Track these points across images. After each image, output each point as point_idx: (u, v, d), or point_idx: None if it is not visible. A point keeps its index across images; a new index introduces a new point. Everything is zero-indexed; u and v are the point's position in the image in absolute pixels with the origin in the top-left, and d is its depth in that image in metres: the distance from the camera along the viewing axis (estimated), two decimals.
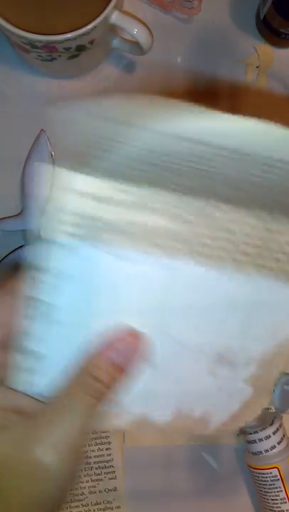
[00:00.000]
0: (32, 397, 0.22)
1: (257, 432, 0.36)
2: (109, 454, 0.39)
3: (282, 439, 0.36)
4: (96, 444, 0.39)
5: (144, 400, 0.24)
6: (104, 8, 0.31)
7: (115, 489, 0.39)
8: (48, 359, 0.22)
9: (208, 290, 0.23)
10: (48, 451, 0.19)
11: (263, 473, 0.36)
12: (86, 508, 0.39)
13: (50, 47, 0.32)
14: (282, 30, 0.37)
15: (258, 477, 0.36)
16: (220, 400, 0.25)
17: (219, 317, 0.23)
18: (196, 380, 0.24)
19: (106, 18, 0.31)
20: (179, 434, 0.25)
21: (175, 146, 0.19)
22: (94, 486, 0.39)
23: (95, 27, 0.30)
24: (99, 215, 0.20)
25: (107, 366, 0.21)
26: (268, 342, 0.24)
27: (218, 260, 0.22)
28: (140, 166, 0.20)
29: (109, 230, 0.21)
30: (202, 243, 0.22)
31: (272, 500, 0.36)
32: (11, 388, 0.22)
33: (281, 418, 0.37)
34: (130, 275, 0.22)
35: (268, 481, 0.36)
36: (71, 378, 0.21)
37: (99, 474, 0.39)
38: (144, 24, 0.33)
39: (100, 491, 0.39)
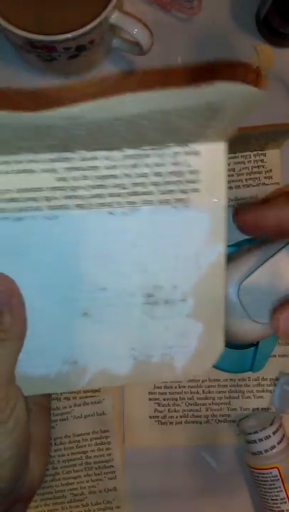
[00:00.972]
0: None
1: (257, 431, 0.36)
2: (109, 454, 0.39)
3: (282, 439, 0.36)
4: (96, 444, 0.39)
5: (97, 355, 0.25)
6: (104, 8, 0.31)
7: (115, 489, 0.39)
8: None
9: (109, 232, 0.24)
10: None
11: (263, 473, 0.36)
12: (86, 508, 0.39)
13: (50, 47, 0.32)
14: (282, 30, 0.37)
15: (258, 477, 0.36)
16: (173, 340, 0.25)
17: (131, 257, 0.24)
18: (138, 324, 0.25)
19: (106, 18, 0.31)
20: (145, 380, 0.27)
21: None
22: (94, 486, 0.39)
23: (94, 27, 0.30)
24: None
25: None
26: (192, 272, 0.25)
27: (107, 203, 0.23)
28: (17, 139, 0.21)
29: (7, 199, 0.23)
30: (88, 192, 0.23)
31: (272, 500, 0.36)
32: None
33: (281, 418, 0.37)
34: (35, 234, 0.23)
35: (267, 481, 0.36)
36: None
37: (99, 474, 0.39)
38: (144, 24, 0.33)
39: (100, 491, 0.39)
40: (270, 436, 0.36)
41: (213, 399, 0.39)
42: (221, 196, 0.24)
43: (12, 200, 0.23)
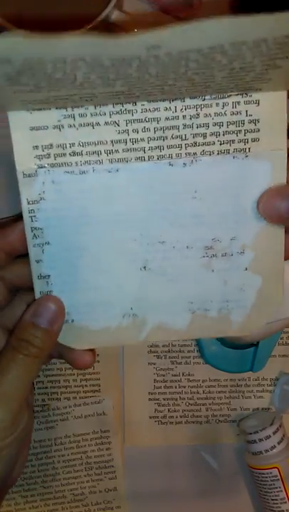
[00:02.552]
0: None
1: (257, 431, 0.36)
2: (110, 454, 0.39)
3: (282, 439, 0.36)
4: (96, 444, 0.39)
5: (156, 308, 0.26)
6: (104, 8, 0.31)
7: (115, 489, 0.39)
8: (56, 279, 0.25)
9: (169, 184, 0.24)
10: None
11: (263, 473, 0.36)
12: (86, 508, 0.39)
13: None
14: None
15: (258, 477, 0.36)
16: (231, 294, 0.26)
17: (190, 209, 0.25)
18: (196, 277, 0.25)
19: (106, 18, 0.31)
20: (202, 335, 0.28)
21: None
22: (94, 486, 0.39)
23: (94, 27, 0.30)
24: (61, 142, 0.23)
25: (35, 331, 0.24)
26: (252, 225, 0.25)
27: (167, 155, 0.24)
28: (80, 89, 0.21)
29: (70, 152, 0.23)
30: (148, 144, 0.24)
31: (273, 500, 0.36)
32: None
33: (281, 418, 0.37)
34: (97, 187, 0.24)
35: (267, 481, 0.36)
36: (8, 345, 0.24)
37: (99, 474, 0.39)
38: (144, 24, 0.33)
39: (100, 491, 0.39)
40: (270, 436, 0.36)
41: (213, 399, 0.39)
42: (282, 145, 0.24)
43: (75, 153, 0.23)
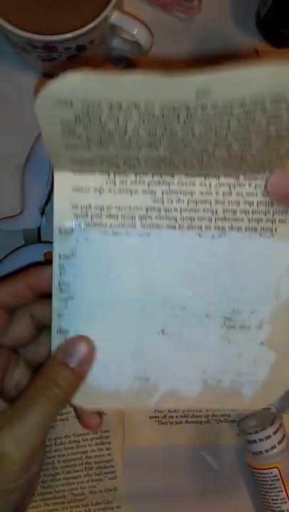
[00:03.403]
0: None
1: (257, 431, 0.36)
2: (110, 454, 0.39)
3: (282, 439, 0.36)
4: (96, 444, 0.39)
5: (169, 374, 0.26)
6: (104, 8, 0.31)
7: (115, 489, 0.39)
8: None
9: (196, 253, 0.25)
10: (12, 447, 0.22)
11: (263, 473, 0.36)
12: (86, 508, 0.39)
13: (49, 47, 0.32)
14: (282, 30, 0.37)
15: (258, 477, 0.36)
16: (244, 367, 0.26)
17: (214, 279, 0.25)
18: (212, 347, 0.26)
19: (106, 18, 0.31)
20: (212, 407, 0.27)
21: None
22: (94, 486, 0.39)
23: (94, 27, 0.30)
24: (99, 204, 0.25)
25: (63, 370, 0.24)
26: (272, 301, 0.25)
27: (197, 226, 0.25)
28: (124, 157, 0.22)
29: (107, 214, 0.25)
30: (180, 214, 0.25)
31: (273, 500, 0.36)
32: None
33: (281, 418, 0.37)
34: (127, 249, 0.25)
35: (268, 481, 0.36)
36: (34, 381, 0.23)
37: (99, 474, 0.39)
38: (144, 24, 0.33)
39: (100, 491, 0.39)
40: (270, 436, 0.36)
41: None
42: None
43: (111, 216, 0.25)
